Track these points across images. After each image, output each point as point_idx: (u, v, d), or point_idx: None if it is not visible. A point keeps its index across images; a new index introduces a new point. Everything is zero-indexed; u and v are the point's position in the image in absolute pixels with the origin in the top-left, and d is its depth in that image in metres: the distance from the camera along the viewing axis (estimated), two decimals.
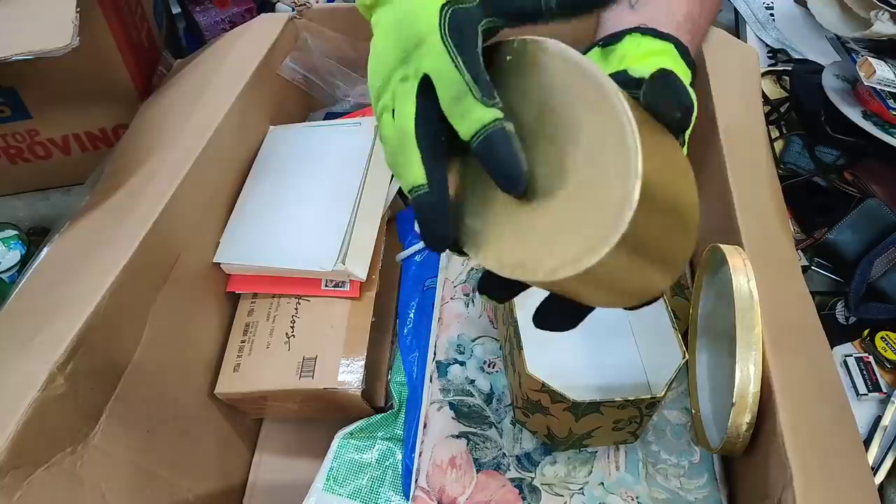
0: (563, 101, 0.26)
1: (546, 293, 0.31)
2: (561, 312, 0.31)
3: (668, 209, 0.25)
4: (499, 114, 0.26)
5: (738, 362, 0.38)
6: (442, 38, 0.28)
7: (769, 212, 0.48)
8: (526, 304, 0.43)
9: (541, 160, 0.27)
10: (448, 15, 0.28)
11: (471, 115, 0.27)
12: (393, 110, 0.30)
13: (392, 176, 0.59)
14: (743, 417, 0.38)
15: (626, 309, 0.30)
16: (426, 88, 0.29)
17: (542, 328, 0.31)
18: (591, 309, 0.30)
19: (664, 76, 0.27)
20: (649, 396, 0.39)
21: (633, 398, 0.38)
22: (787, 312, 0.41)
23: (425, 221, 0.29)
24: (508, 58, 0.29)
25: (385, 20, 0.31)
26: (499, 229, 0.27)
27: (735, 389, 0.38)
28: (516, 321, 0.42)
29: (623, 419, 0.41)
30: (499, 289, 0.32)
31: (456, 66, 0.27)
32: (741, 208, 0.46)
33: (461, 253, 0.30)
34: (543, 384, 0.38)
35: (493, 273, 0.32)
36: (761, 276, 0.40)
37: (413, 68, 0.29)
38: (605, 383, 0.46)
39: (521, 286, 0.32)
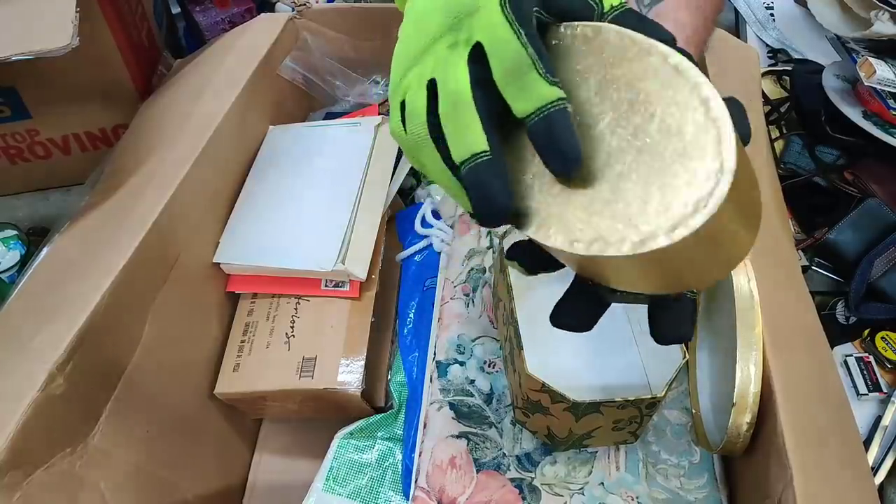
0: (630, 77, 0.26)
1: (561, 289, 0.30)
2: (582, 308, 0.30)
3: (745, 197, 0.24)
4: (562, 93, 0.25)
5: (739, 362, 0.38)
6: (502, 7, 0.26)
7: (769, 212, 0.48)
8: (526, 305, 0.43)
9: (604, 135, 0.26)
10: None
11: (532, 92, 0.25)
12: (431, 81, 0.28)
13: (392, 175, 0.59)
14: (743, 417, 0.38)
15: (653, 296, 0.29)
16: (476, 58, 0.27)
17: (559, 326, 0.30)
18: (607, 306, 0.30)
19: (733, 103, 0.26)
20: (649, 396, 0.39)
21: (633, 398, 0.38)
22: (787, 312, 0.41)
23: (485, 190, 0.26)
24: (555, 42, 0.28)
25: None
26: (560, 206, 0.26)
27: (736, 389, 0.38)
28: (517, 321, 0.41)
29: (623, 419, 0.41)
30: (530, 258, 0.31)
31: (518, 38, 0.25)
32: None
33: (513, 223, 0.28)
34: (543, 384, 0.38)
35: (522, 242, 0.31)
36: (761, 276, 0.40)
37: (465, 35, 0.27)
38: (605, 383, 0.46)
39: (550, 265, 0.31)
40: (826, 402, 0.38)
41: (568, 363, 0.47)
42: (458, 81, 0.27)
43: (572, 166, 0.25)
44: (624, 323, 0.49)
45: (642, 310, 0.30)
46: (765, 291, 0.39)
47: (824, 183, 0.65)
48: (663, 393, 0.39)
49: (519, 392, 0.43)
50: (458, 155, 0.27)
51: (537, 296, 0.32)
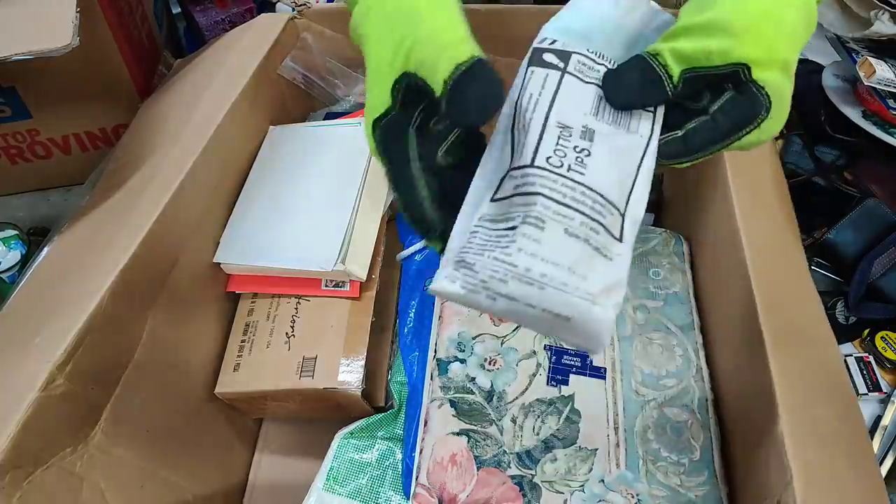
0: None
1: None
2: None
3: None
4: (435, 244, 0.30)
5: None
6: (380, 161, 0.30)
7: (775, 210, 0.48)
8: None
9: None
10: (378, 135, 0.30)
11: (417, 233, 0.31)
12: None
13: None
14: None
15: None
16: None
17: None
18: None
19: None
20: None
21: None
22: (791, 310, 0.41)
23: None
24: None
25: None
26: None
27: None
28: None
29: None
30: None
31: (396, 198, 0.30)
32: (741, 208, 0.46)
33: None
34: None
35: None
36: (767, 273, 0.40)
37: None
38: None
39: None
40: (831, 401, 0.38)
41: None
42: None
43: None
44: None
45: None
46: (768, 290, 0.39)
47: (824, 183, 0.65)
48: None
49: None
50: None
51: None
